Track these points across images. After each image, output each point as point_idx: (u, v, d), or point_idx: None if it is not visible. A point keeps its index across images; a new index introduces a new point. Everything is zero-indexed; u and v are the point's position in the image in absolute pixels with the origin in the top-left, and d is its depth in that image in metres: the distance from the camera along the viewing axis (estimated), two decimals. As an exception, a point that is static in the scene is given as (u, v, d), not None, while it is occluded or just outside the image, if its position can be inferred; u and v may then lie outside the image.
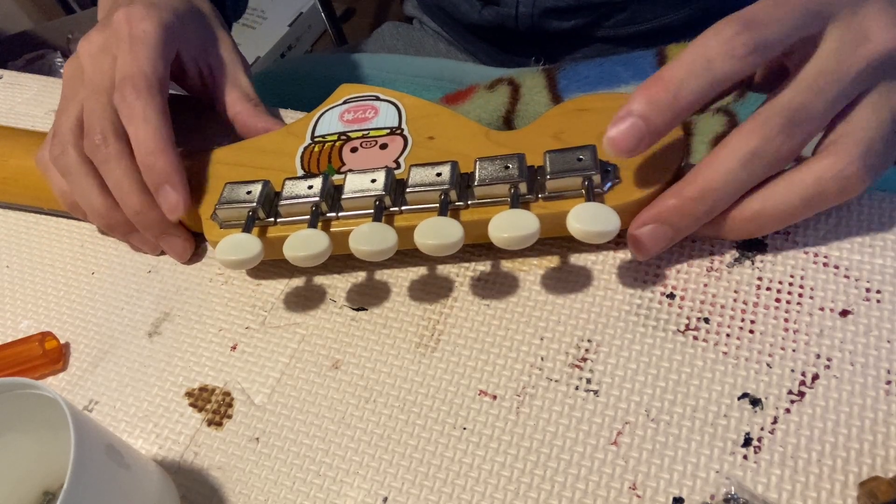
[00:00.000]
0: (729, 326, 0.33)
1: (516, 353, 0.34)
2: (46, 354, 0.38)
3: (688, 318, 0.33)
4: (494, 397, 0.33)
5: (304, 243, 0.34)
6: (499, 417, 0.32)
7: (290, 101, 0.48)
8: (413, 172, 0.35)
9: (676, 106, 0.29)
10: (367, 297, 0.37)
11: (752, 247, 0.35)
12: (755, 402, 0.31)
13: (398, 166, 0.37)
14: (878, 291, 0.33)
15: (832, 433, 0.29)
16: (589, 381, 0.32)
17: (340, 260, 0.38)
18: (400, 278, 0.38)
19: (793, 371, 0.31)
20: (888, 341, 0.31)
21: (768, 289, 0.34)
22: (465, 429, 0.32)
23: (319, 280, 0.39)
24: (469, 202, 0.35)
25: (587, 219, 0.31)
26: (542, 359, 0.34)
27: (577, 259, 0.36)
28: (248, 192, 0.37)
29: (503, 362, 0.34)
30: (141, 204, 0.38)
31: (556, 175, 0.33)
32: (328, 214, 0.36)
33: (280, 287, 0.39)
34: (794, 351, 0.32)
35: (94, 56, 0.39)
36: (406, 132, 0.39)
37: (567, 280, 0.36)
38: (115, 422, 0.36)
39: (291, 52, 1.58)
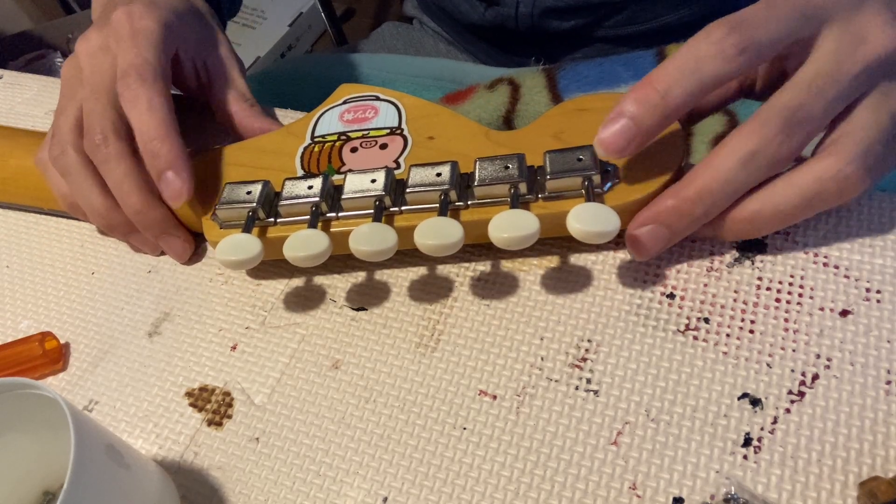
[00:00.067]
0: (729, 326, 0.33)
1: (516, 353, 0.34)
2: (46, 354, 0.38)
3: (688, 318, 0.33)
4: (494, 397, 0.33)
5: (304, 243, 0.34)
6: (499, 417, 0.32)
7: (290, 101, 0.48)
8: (413, 172, 0.35)
9: (666, 107, 0.30)
10: (367, 297, 0.37)
11: (752, 247, 0.35)
12: (755, 402, 0.31)
13: (398, 166, 0.37)
14: (878, 291, 0.33)
15: (832, 433, 0.29)
16: (589, 381, 0.32)
17: (340, 260, 0.38)
18: (400, 278, 0.38)
19: (793, 371, 0.31)
20: (888, 341, 0.31)
21: (768, 289, 0.34)
22: (465, 429, 0.32)
23: (319, 280, 0.39)
24: (469, 202, 0.35)
25: (587, 219, 0.31)
26: (542, 359, 0.34)
27: (577, 259, 0.36)
28: (248, 193, 0.37)
29: (503, 362, 0.34)
30: (141, 203, 0.38)
31: (556, 175, 0.33)
32: (328, 214, 0.36)
33: (280, 287, 0.39)
34: (794, 351, 0.32)
35: (93, 55, 0.39)
36: (406, 132, 0.39)
37: (567, 280, 0.36)
38: (115, 422, 0.36)
39: (291, 52, 1.58)
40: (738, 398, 0.31)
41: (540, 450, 0.31)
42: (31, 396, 0.28)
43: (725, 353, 0.32)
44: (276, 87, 0.62)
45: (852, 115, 0.30)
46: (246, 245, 0.34)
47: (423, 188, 0.34)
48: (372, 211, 0.35)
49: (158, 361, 0.38)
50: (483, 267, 0.37)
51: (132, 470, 0.29)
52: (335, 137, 0.40)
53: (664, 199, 0.32)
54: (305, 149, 0.40)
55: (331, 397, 0.34)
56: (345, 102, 0.41)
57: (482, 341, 0.35)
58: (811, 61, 0.30)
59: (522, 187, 0.34)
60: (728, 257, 0.35)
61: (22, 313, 0.41)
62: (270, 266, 0.40)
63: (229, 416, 0.35)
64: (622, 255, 0.36)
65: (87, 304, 0.41)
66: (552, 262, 0.36)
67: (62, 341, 0.39)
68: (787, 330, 0.32)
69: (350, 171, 0.37)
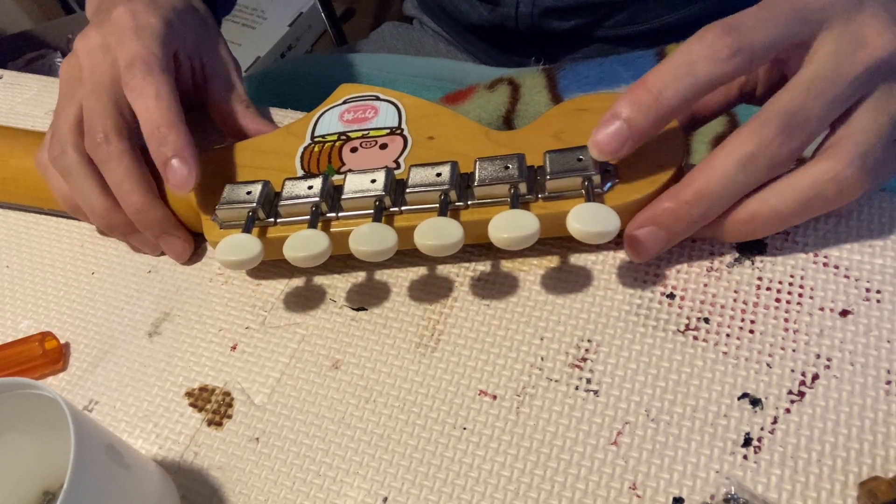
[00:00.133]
0: (729, 326, 0.33)
1: (516, 353, 0.34)
2: (46, 354, 0.38)
3: (688, 318, 0.33)
4: (494, 397, 0.33)
5: (304, 243, 0.34)
6: (499, 417, 0.32)
7: (290, 101, 0.48)
8: (413, 172, 0.35)
9: (659, 109, 0.30)
10: (367, 297, 0.37)
11: (752, 247, 0.35)
12: (755, 402, 0.31)
13: (398, 166, 0.37)
14: (878, 291, 0.33)
15: (832, 433, 0.29)
16: (589, 381, 0.32)
17: (340, 260, 0.38)
18: (400, 278, 0.38)
19: (793, 371, 0.31)
20: (888, 341, 0.31)
21: (768, 289, 0.34)
22: (465, 429, 0.32)
23: (319, 280, 0.39)
24: (469, 202, 0.35)
25: (587, 219, 0.31)
26: (542, 359, 0.34)
27: (577, 259, 0.36)
28: (248, 193, 0.37)
29: (503, 362, 0.34)
30: (142, 203, 0.38)
31: (556, 175, 0.33)
32: (328, 215, 0.36)
33: (280, 287, 0.39)
34: (794, 351, 0.32)
35: (93, 53, 0.39)
36: (406, 132, 0.39)
37: (567, 280, 0.36)
38: (115, 422, 0.36)
39: (291, 52, 1.58)
40: (738, 398, 0.31)
41: (540, 450, 0.31)
42: (31, 396, 0.28)
43: (725, 353, 0.32)
44: (276, 87, 0.62)
45: (852, 118, 0.30)
46: (246, 245, 0.34)
47: (423, 188, 0.34)
48: (372, 211, 0.35)
49: (158, 361, 0.38)
50: (483, 267, 0.37)
51: (132, 470, 0.29)
52: (335, 137, 0.40)
53: (662, 202, 0.32)
54: (305, 149, 0.40)
55: (331, 397, 0.34)
56: (345, 102, 0.41)
57: (482, 341, 0.35)
58: (810, 63, 0.30)
59: (522, 187, 0.34)
60: (728, 257, 0.35)
61: (22, 313, 0.41)
62: (270, 266, 0.40)
63: (229, 416, 0.35)
64: (622, 255, 0.36)
65: (87, 304, 0.41)
66: (552, 262, 0.36)
67: (62, 341, 0.39)
68: (787, 330, 0.32)
69: (350, 171, 0.37)
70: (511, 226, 0.32)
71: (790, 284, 0.34)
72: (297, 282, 0.39)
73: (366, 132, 0.39)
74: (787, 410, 0.30)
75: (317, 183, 0.36)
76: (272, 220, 0.36)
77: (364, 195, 0.35)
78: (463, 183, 0.35)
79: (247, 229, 0.36)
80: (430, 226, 0.33)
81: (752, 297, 0.33)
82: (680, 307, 0.34)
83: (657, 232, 0.32)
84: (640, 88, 0.30)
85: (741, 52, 0.29)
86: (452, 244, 0.32)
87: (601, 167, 0.33)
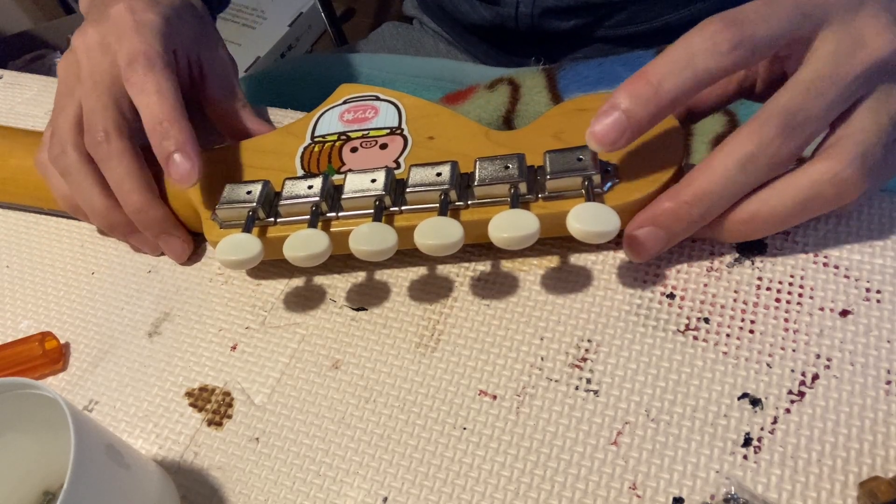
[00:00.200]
0: (729, 326, 0.33)
1: (516, 353, 0.34)
2: (46, 354, 0.38)
3: (688, 318, 0.33)
4: (494, 397, 0.33)
5: (304, 243, 0.34)
6: (499, 417, 0.32)
7: (290, 101, 0.48)
8: (413, 172, 0.35)
9: (659, 101, 0.29)
10: (367, 297, 0.37)
11: (752, 247, 0.35)
12: (755, 402, 0.31)
13: (398, 166, 0.37)
14: (878, 291, 0.33)
15: (832, 433, 0.29)
16: (589, 381, 0.32)
17: (340, 260, 0.38)
18: (400, 278, 0.38)
19: (793, 371, 0.31)
20: (888, 341, 0.31)
21: (768, 289, 0.34)
22: (465, 429, 0.32)
23: (319, 280, 0.39)
24: (469, 202, 0.35)
25: (587, 219, 0.31)
26: (542, 359, 0.34)
27: (577, 259, 0.36)
28: (248, 192, 0.37)
29: (503, 362, 0.34)
30: (142, 202, 0.38)
31: (556, 175, 0.33)
32: (328, 214, 0.36)
33: (280, 287, 0.39)
34: (794, 351, 0.32)
35: (91, 51, 0.39)
36: (406, 132, 0.39)
37: (567, 280, 0.36)
38: (115, 422, 0.36)
39: (291, 52, 1.58)
40: (738, 398, 0.31)
41: (540, 450, 0.31)
42: (31, 396, 0.28)
43: (725, 353, 0.32)
44: (275, 87, 0.62)
45: (851, 118, 0.30)
46: (246, 245, 0.34)
47: (423, 188, 0.34)
48: (372, 211, 0.35)
49: (158, 361, 0.38)
50: (483, 267, 0.37)
51: (132, 470, 0.29)
52: (335, 137, 0.40)
53: (662, 202, 0.32)
54: (305, 149, 0.40)
55: (331, 397, 0.34)
56: (345, 102, 0.41)
57: (482, 341, 0.35)
58: (810, 63, 0.29)
59: (522, 187, 0.34)
60: (728, 257, 0.35)
61: (22, 313, 0.41)
62: (270, 266, 0.40)
63: (229, 416, 0.35)
64: (622, 255, 0.36)
65: (87, 304, 0.41)
66: (552, 262, 0.36)
67: (62, 341, 0.39)
68: (787, 330, 0.32)
69: (350, 170, 0.37)
70: (511, 226, 0.32)
71: (790, 284, 0.34)
72: (297, 282, 0.39)
73: (366, 132, 0.39)
74: (787, 410, 0.30)
75: (317, 183, 0.36)
76: (272, 219, 0.36)
77: (364, 195, 0.35)
78: (463, 183, 0.35)
79: (247, 229, 0.36)
80: (430, 225, 0.33)
81: (752, 297, 0.33)
82: (680, 307, 0.34)
83: (657, 232, 0.32)
84: (640, 80, 0.30)
85: (742, 46, 0.29)
86: (452, 244, 0.32)
87: (601, 167, 0.33)
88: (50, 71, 1.18)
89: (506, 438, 0.32)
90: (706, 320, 0.33)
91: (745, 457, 0.29)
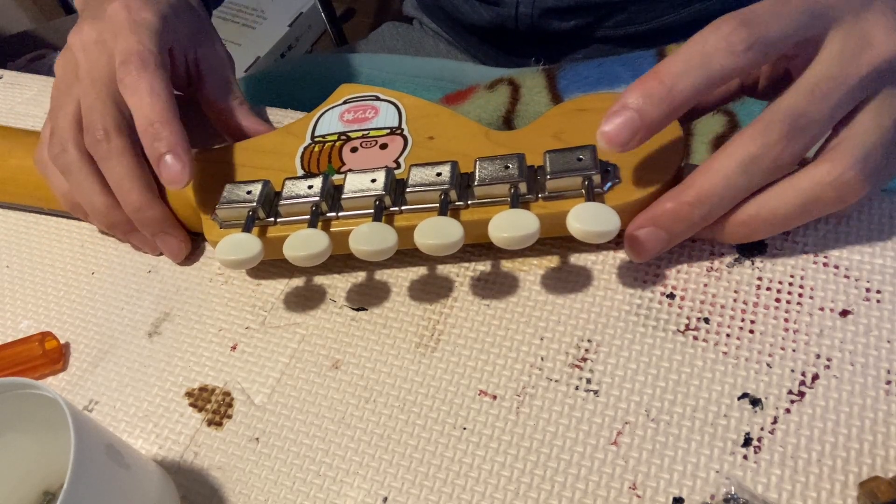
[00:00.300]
0: (729, 326, 0.33)
1: (516, 353, 0.34)
2: (46, 354, 0.38)
3: (688, 318, 0.33)
4: (494, 397, 0.33)
5: (304, 243, 0.34)
6: (499, 417, 0.32)
7: (290, 101, 0.48)
8: (413, 172, 0.35)
9: (672, 100, 0.29)
10: (367, 297, 0.37)
11: (752, 247, 0.35)
12: (755, 402, 0.31)
13: (398, 166, 0.37)
14: (878, 291, 0.33)
15: (832, 433, 0.29)
16: (589, 381, 0.32)
17: (340, 260, 0.38)
18: (400, 278, 0.38)
19: (793, 371, 0.31)
20: (888, 341, 0.31)
21: (768, 289, 0.34)
22: (465, 429, 0.32)
23: (319, 280, 0.39)
24: (469, 202, 0.35)
25: (587, 219, 0.31)
26: (542, 359, 0.34)
27: (577, 259, 0.36)
28: (248, 192, 0.37)
29: (503, 362, 0.34)
30: (141, 201, 0.38)
31: (556, 175, 0.33)
32: (328, 214, 0.36)
33: (280, 287, 0.39)
34: (794, 351, 0.32)
35: (89, 48, 0.39)
36: (406, 132, 0.39)
37: (567, 280, 0.36)
38: (115, 422, 0.36)
39: (291, 52, 1.58)
40: (738, 398, 0.31)
41: (540, 450, 0.31)
42: (31, 396, 0.28)
43: (725, 353, 0.32)
44: (276, 87, 0.62)
45: (855, 120, 0.30)
46: (246, 245, 0.34)
47: (423, 188, 0.34)
48: (372, 211, 0.35)
49: (158, 361, 0.38)
50: (483, 267, 0.37)
51: (132, 470, 0.29)
52: (335, 137, 0.40)
53: (664, 202, 0.32)
54: (305, 149, 0.40)
55: (331, 397, 0.34)
56: (345, 102, 0.41)
57: (482, 341, 0.35)
58: (816, 64, 0.29)
59: (522, 187, 0.34)
60: (728, 257, 0.35)
61: (22, 313, 0.41)
62: (270, 266, 0.40)
63: (229, 416, 0.35)
64: (622, 255, 0.36)
65: (87, 304, 0.41)
66: (552, 262, 0.36)
67: (62, 341, 0.39)
68: (787, 330, 0.32)
69: (350, 170, 0.37)
70: (511, 225, 0.32)
71: (790, 284, 0.34)
72: (297, 282, 0.39)
73: (366, 132, 0.39)
74: (787, 410, 0.30)
75: (317, 182, 0.36)
76: (272, 219, 0.36)
77: (364, 195, 0.35)
78: (463, 182, 0.35)
79: (247, 229, 0.36)
80: (430, 225, 0.33)
81: (752, 297, 0.33)
82: (680, 307, 0.34)
83: (658, 232, 0.32)
84: (653, 79, 0.29)
85: (756, 45, 0.28)
86: (452, 244, 0.32)
87: (601, 167, 0.33)
88: (50, 71, 1.18)
89: (506, 438, 0.32)
90: (706, 320, 0.33)
91: (745, 457, 0.29)
